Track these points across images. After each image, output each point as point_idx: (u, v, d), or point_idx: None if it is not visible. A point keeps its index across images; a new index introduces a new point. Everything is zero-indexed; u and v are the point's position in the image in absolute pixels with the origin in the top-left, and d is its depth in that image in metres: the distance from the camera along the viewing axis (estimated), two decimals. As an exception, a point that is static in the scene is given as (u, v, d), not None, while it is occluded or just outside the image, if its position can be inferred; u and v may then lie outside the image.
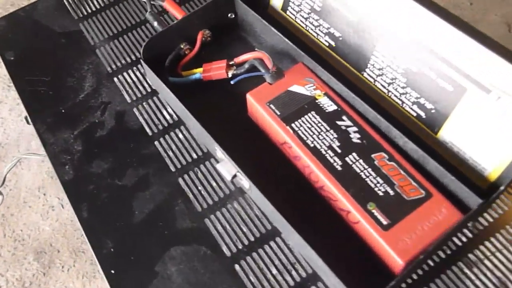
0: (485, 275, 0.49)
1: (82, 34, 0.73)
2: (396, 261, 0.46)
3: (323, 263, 0.46)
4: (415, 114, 0.55)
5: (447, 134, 0.53)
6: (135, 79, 0.68)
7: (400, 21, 0.53)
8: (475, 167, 0.51)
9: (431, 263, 0.50)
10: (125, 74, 0.69)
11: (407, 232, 0.47)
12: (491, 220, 0.52)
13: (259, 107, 0.57)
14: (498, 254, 0.50)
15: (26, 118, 0.68)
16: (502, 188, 0.47)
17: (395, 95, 0.56)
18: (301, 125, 0.55)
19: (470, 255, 0.51)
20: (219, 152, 0.56)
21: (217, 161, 0.59)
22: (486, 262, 0.50)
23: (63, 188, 0.60)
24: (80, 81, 0.68)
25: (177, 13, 0.69)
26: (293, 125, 0.55)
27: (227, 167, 0.54)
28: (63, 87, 0.68)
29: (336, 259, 0.50)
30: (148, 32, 0.73)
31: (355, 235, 0.51)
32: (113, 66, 0.70)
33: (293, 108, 0.56)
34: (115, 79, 0.68)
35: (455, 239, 0.51)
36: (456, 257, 0.50)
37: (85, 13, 0.76)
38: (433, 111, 0.53)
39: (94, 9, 0.76)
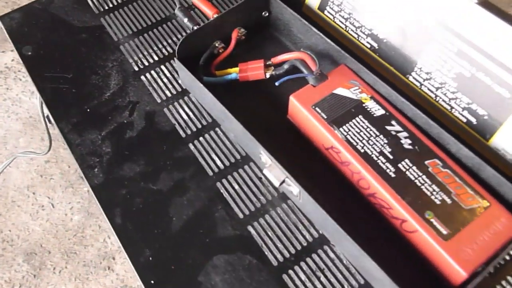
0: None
1: (104, 30, 0.70)
2: (459, 272, 0.45)
3: (381, 272, 0.44)
4: (465, 120, 0.54)
5: (500, 141, 0.52)
6: (164, 78, 0.65)
7: (453, 24, 0.51)
8: (529, 176, 0.50)
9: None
10: (152, 72, 0.66)
11: (468, 242, 0.46)
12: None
13: (304, 110, 0.55)
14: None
15: (47, 117, 0.65)
16: None
17: (443, 100, 0.55)
18: (349, 130, 0.53)
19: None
20: (264, 157, 0.53)
21: (256, 165, 0.57)
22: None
23: (93, 191, 0.56)
24: (105, 78, 0.65)
25: (208, 10, 0.66)
26: (341, 129, 0.53)
27: (274, 172, 0.52)
28: (87, 84, 0.65)
29: (389, 269, 0.48)
30: (174, 29, 0.70)
31: (408, 245, 0.49)
32: (140, 64, 0.66)
33: (339, 112, 0.54)
34: (142, 77, 0.65)
35: None
36: None
37: (107, 7, 0.72)
38: (485, 117, 0.52)
39: (115, 3, 0.73)
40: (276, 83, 0.55)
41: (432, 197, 0.49)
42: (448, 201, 0.48)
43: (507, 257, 0.50)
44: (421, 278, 0.49)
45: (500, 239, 0.46)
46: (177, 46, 0.59)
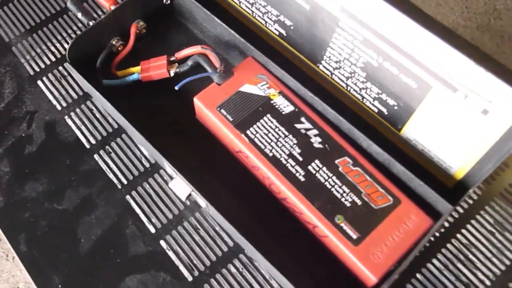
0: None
1: (-7, 29, 0.63)
2: (369, 277, 0.44)
3: (289, 284, 0.43)
4: (376, 110, 0.52)
5: (411, 131, 0.50)
6: (63, 81, 0.60)
7: (359, 12, 0.48)
8: (441, 165, 0.49)
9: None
10: (50, 75, 0.60)
11: (378, 245, 0.45)
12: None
13: (209, 113, 0.52)
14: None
15: None
16: (471, 191, 0.46)
17: (354, 90, 0.52)
18: (257, 132, 0.50)
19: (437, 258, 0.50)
20: (169, 168, 0.50)
21: (166, 172, 0.54)
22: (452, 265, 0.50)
23: (-6, 218, 0.53)
24: (-3, 87, 0.60)
25: (103, 0, 0.60)
26: (248, 132, 0.50)
27: (180, 186, 0.49)
28: (-23, 96, 0.59)
29: (306, 274, 0.48)
30: (71, 23, 0.63)
31: (323, 247, 0.48)
32: (35, 67, 0.61)
33: (246, 112, 0.51)
34: (39, 82, 0.60)
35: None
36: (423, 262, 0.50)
37: (-7, 2, 0.65)
38: (396, 107, 0.50)
39: (3, -3, 0.66)
40: (176, 88, 0.51)
41: (342, 199, 0.47)
42: (358, 202, 0.47)
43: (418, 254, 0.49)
44: (337, 281, 0.48)
45: (410, 237, 0.45)
46: (67, 49, 0.53)
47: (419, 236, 0.45)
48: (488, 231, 0.51)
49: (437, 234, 0.51)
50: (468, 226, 0.51)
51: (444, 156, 0.49)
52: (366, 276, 0.44)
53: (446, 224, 0.51)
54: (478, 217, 0.52)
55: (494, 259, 0.50)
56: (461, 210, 0.52)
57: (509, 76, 0.41)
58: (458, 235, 0.51)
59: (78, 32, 0.63)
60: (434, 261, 0.50)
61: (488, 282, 0.49)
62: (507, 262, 0.49)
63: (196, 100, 0.52)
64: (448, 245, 0.50)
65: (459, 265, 0.49)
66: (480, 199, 0.53)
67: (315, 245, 0.49)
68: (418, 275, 0.49)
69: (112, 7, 0.59)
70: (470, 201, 0.53)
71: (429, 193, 0.47)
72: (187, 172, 0.48)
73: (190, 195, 0.49)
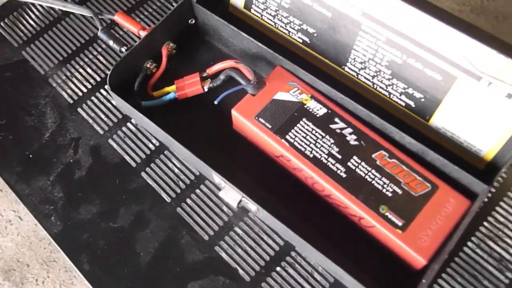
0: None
1: (29, 64, 0.66)
2: (419, 260, 0.47)
3: (348, 276, 0.46)
4: (403, 104, 0.55)
5: (439, 120, 0.53)
6: (101, 106, 0.63)
7: (381, 14, 0.51)
8: (470, 149, 0.53)
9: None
10: (89, 102, 0.63)
11: (423, 229, 0.48)
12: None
13: (247, 123, 0.55)
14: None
15: (-11, 170, 0.62)
16: (503, 170, 0.49)
17: (380, 87, 0.56)
18: (295, 136, 0.53)
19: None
20: (217, 178, 0.53)
21: (211, 182, 0.57)
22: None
23: (55, 241, 0.56)
24: (40, 118, 0.63)
25: (132, 27, 0.63)
26: (287, 136, 0.53)
27: (230, 194, 0.52)
28: (22, 128, 0.62)
29: (355, 263, 0.51)
30: (102, 50, 0.67)
31: (370, 237, 0.52)
32: (73, 95, 0.64)
33: (283, 118, 0.55)
34: (79, 109, 0.63)
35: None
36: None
37: (25, 38, 0.68)
38: (422, 100, 0.53)
39: (34, 31, 0.69)
40: (215, 102, 0.55)
41: (384, 190, 0.50)
42: (399, 191, 0.50)
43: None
44: (384, 266, 0.51)
45: (452, 219, 0.49)
46: (108, 76, 0.57)
47: (460, 217, 0.49)
48: (520, 206, 0.55)
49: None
50: (502, 204, 0.55)
51: (473, 140, 0.52)
52: (415, 259, 0.48)
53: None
54: (506, 198, 0.55)
55: (529, 232, 0.53)
56: (493, 190, 0.56)
57: (530, 61, 0.44)
58: (493, 213, 0.54)
59: (110, 59, 0.66)
60: (472, 239, 0.53)
61: (526, 254, 0.52)
62: (541, 234, 0.53)
63: (234, 112, 0.56)
64: (485, 223, 0.54)
65: (491, 243, 0.53)
66: (508, 180, 0.56)
67: (361, 236, 0.52)
68: (460, 253, 0.52)
69: (141, 32, 0.63)
70: (501, 180, 0.56)
71: (463, 176, 0.50)
72: (236, 180, 0.51)
73: (240, 201, 0.52)
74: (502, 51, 0.45)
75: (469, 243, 0.53)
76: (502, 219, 0.54)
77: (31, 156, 0.60)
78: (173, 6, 0.69)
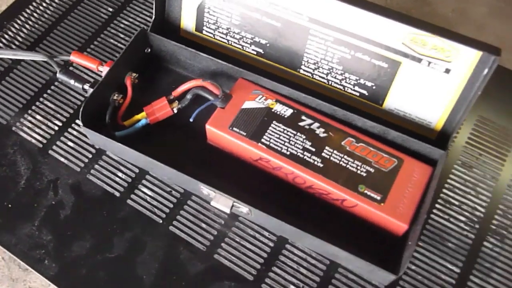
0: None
1: (-12, 116, 0.66)
2: (401, 226, 0.53)
3: (343, 252, 0.51)
4: (358, 94, 0.61)
5: (391, 103, 0.60)
6: (72, 144, 0.64)
7: (326, 18, 0.57)
8: (422, 123, 0.60)
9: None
10: (59, 143, 0.64)
11: (398, 198, 0.54)
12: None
13: (223, 134, 0.59)
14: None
15: (-32, 228, 0.61)
16: (453, 135, 0.57)
17: (335, 83, 0.62)
18: (270, 138, 0.58)
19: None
20: (205, 190, 0.56)
21: (197, 196, 0.60)
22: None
23: (53, 283, 0.56)
24: (11, 167, 0.62)
25: (90, 64, 0.65)
26: (262, 140, 0.58)
27: (222, 201, 0.55)
28: (-5, 180, 0.62)
29: (345, 241, 0.55)
30: (60, 91, 0.68)
31: (352, 216, 0.57)
32: (41, 139, 0.64)
33: (255, 124, 0.59)
34: (51, 151, 0.64)
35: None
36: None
37: (-21, 91, 0.68)
38: (374, 87, 0.60)
39: (-14, 83, 0.68)
40: (191, 119, 0.58)
41: (358, 171, 0.56)
42: (372, 170, 0.56)
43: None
44: (370, 239, 0.56)
45: (420, 185, 0.55)
46: (80, 113, 0.58)
47: (426, 182, 0.55)
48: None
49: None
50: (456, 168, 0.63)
51: (423, 115, 0.59)
52: (398, 226, 0.53)
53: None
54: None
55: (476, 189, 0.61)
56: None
57: (460, 38, 0.52)
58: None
59: (70, 98, 0.67)
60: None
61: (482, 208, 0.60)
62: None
63: (208, 126, 0.59)
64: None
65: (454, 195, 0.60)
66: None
67: (344, 217, 0.57)
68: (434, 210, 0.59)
69: (100, 67, 0.65)
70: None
71: (422, 147, 0.57)
72: (223, 188, 0.55)
73: (232, 206, 0.55)
74: (435, 33, 0.53)
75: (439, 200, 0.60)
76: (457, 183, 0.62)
77: (10, 205, 0.60)
78: (120, 38, 0.72)
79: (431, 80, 0.56)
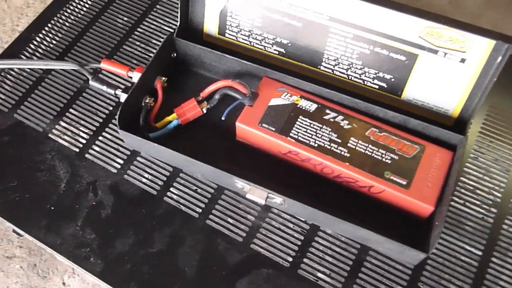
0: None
1: (24, 124, 0.69)
2: (427, 208, 0.56)
3: (375, 235, 0.55)
4: (377, 87, 0.65)
5: (409, 94, 0.64)
6: (108, 147, 0.67)
7: (346, 16, 0.61)
8: (439, 111, 0.63)
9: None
10: (94, 147, 0.67)
11: (423, 182, 0.58)
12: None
13: (253, 130, 0.62)
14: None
15: (14, 231, 0.64)
16: (471, 121, 0.60)
17: (355, 77, 0.65)
18: (298, 132, 0.61)
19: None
20: (240, 184, 0.60)
21: (230, 190, 0.63)
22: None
23: (100, 279, 0.59)
24: (51, 171, 0.65)
25: (120, 70, 0.68)
26: (291, 134, 0.61)
27: (257, 194, 0.59)
28: (36, 185, 0.64)
29: (374, 225, 0.59)
30: (91, 97, 0.71)
31: (378, 202, 0.60)
32: (77, 144, 0.67)
33: (282, 120, 0.62)
34: (87, 155, 0.67)
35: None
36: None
37: (13, 102, 0.71)
38: (392, 79, 0.63)
39: (20, 94, 0.71)
40: (223, 118, 0.61)
41: (383, 159, 0.59)
42: (395, 157, 0.59)
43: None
44: (395, 221, 0.60)
45: (443, 169, 0.59)
46: (117, 119, 0.61)
47: (448, 166, 0.59)
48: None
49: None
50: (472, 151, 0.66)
51: (440, 103, 0.63)
52: (424, 208, 0.57)
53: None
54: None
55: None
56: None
57: (473, 29, 0.56)
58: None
59: (102, 103, 0.70)
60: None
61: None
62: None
63: (238, 124, 0.63)
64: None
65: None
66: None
67: (370, 202, 0.60)
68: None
69: (130, 73, 0.68)
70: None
71: (442, 133, 0.61)
72: (256, 181, 0.58)
73: (267, 197, 0.59)
74: (451, 25, 0.56)
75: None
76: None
77: (52, 208, 0.63)
78: (144, 44, 0.75)
79: (447, 70, 0.60)
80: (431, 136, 0.62)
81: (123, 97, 0.66)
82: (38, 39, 0.77)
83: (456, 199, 0.63)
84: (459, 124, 0.62)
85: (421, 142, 0.61)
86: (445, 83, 0.61)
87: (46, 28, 0.78)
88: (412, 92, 0.63)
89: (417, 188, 0.58)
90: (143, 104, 0.65)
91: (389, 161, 0.59)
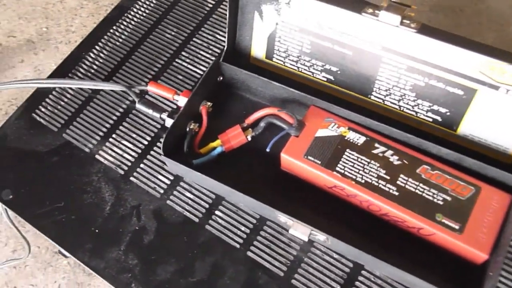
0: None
1: (72, 145, 0.70)
2: (481, 256, 0.53)
3: (423, 283, 0.52)
4: (431, 120, 0.62)
5: (466, 129, 0.60)
6: (151, 171, 0.67)
7: (398, 48, 0.58)
8: (498, 149, 0.59)
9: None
10: (139, 170, 0.68)
11: (477, 227, 0.54)
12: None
13: (298, 162, 0.60)
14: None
15: (60, 252, 0.65)
16: (533, 162, 0.56)
17: (407, 108, 0.62)
18: (344, 166, 0.59)
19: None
20: (282, 218, 0.58)
21: (273, 222, 0.62)
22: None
23: (140, 307, 0.59)
24: (97, 194, 0.66)
25: (166, 93, 0.68)
26: (337, 168, 0.59)
27: (300, 230, 0.57)
28: (82, 206, 0.66)
29: (423, 268, 0.56)
30: (138, 119, 0.71)
31: (428, 243, 0.57)
32: (123, 166, 0.68)
33: (329, 153, 0.60)
34: (132, 178, 0.67)
35: None
36: None
37: (63, 121, 0.72)
38: (448, 113, 0.60)
39: (70, 114, 0.73)
40: (267, 149, 0.60)
41: (435, 200, 0.56)
42: (448, 198, 0.56)
43: None
44: (448, 266, 0.57)
45: (500, 214, 0.55)
46: (162, 145, 0.61)
47: (506, 210, 0.55)
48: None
49: None
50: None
51: (499, 141, 0.59)
52: (478, 256, 0.54)
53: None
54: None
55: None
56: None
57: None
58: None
59: (146, 125, 0.71)
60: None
61: None
62: None
63: (283, 155, 0.61)
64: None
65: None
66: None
67: (420, 243, 0.58)
68: (508, 242, 0.59)
69: (175, 97, 0.68)
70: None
71: (500, 175, 0.57)
72: (299, 216, 0.57)
73: (310, 234, 0.57)
74: (513, 62, 0.53)
75: None
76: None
77: (97, 231, 0.64)
78: (189, 65, 0.75)
79: (509, 107, 0.56)
80: (487, 176, 0.58)
81: (168, 121, 0.66)
82: (89, 58, 0.78)
83: (513, 244, 0.59)
84: (520, 163, 0.59)
85: (476, 183, 0.57)
86: (506, 121, 0.57)
87: (97, 47, 0.79)
88: (469, 127, 0.60)
89: (470, 233, 0.54)
90: (187, 130, 0.65)
91: (441, 202, 0.56)
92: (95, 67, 0.77)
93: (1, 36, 1.66)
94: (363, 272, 0.59)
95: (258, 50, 0.69)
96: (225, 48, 0.67)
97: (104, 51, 0.78)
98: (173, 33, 0.79)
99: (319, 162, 0.60)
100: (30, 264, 1.27)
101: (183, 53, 0.77)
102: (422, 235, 0.57)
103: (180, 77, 0.75)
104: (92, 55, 0.78)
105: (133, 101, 0.71)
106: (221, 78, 0.69)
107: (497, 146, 0.59)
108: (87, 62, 0.77)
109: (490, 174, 0.58)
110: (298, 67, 0.67)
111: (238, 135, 0.64)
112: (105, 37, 0.80)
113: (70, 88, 0.74)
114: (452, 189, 0.57)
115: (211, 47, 0.77)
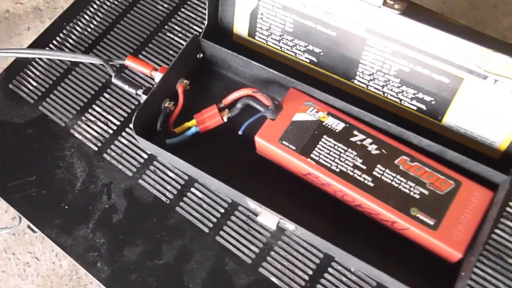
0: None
1: (48, 118, 0.68)
2: (455, 255, 0.51)
3: (390, 278, 0.50)
4: (415, 108, 0.58)
5: (451, 119, 0.57)
6: (126, 149, 0.65)
7: (383, 30, 0.54)
8: (484, 142, 0.56)
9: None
10: (113, 147, 0.66)
11: (453, 224, 0.51)
12: None
13: (272, 147, 0.58)
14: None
15: (29, 226, 0.64)
16: (519, 158, 0.53)
17: (391, 95, 0.59)
18: (319, 153, 0.56)
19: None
20: (252, 204, 0.56)
21: (245, 207, 0.60)
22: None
23: (105, 286, 0.58)
24: (69, 169, 0.65)
25: (143, 68, 0.66)
26: (312, 155, 0.56)
27: (268, 217, 0.55)
28: (54, 181, 0.64)
29: (394, 264, 0.54)
30: (116, 95, 0.69)
31: (403, 238, 0.55)
32: (97, 142, 0.66)
33: (305, 138, 0.57)
34: (105, 155, 0.65)
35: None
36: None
37: (40, 93, 0.70)
38: (433, 102, 0.56)
39: (47, 86, 0.71)
40: (240, 132, 0.57)
41: (411, 193, 0.53)
42: (426, 192, 0.53)
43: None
44: (420, 263, 0.54)
45: (479, 212, 0.52)
46: (133, 122, 0.59)
47: (486, 208, 0.52)
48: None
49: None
50: (518, 188, 0.58)
51: (486, 134, 0.55)
52: (451, 254, 0.51)
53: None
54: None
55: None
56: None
57: (532, 57, 0.48)
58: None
59: (124, 101, 0.68)
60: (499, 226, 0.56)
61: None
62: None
63: (257, 138, 0.59)
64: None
65: (521, 223, 0.56)
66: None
67: (394, 237, 0.55)
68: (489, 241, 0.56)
69: (153, 72, 0.65)
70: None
71: (483, 170, 0.53)
72: (270, 203, 0.54)
73: (278, 223, 0.55)
74: (505, 51, 0.49)
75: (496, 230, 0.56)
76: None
77: (67, 207, 0.63)
78: (174, 41, 0.72)
79: (497, 98, 0.52)
80: (470, 171, 0.55)
81: (143, 98, 0.63)
82: (68, 29, 0.75)
83: (491, 248, 0.56)
84: (505, 160, 0.55)
85: (457, 177, 0.54)
86: (493, 112, 0.53)
87: (77, 19, 0.76)
88: (455, 118, 0.56)
89: (446, 230, 0.51)
90: (162, 107, 0.63)
91: (418, 196, 0.53)
92: (75, 38, 0.74)
93: (9, 3, 1.64)
94: (333, 264, 0.56)
95: (240, 27, 0.66)
96: (205, 24, 0.64)
97: (86, 22, 0.76)
98: (160, 5, 0.76)
99: (294, 148, 0.57)
100: (29, 232, 1.28)
101: (166, 27, 0.74)
102: (396, 229, 0.54)
103: (165, 53, 0.72)
104: (74, 25, 0.76)
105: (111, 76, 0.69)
106: (201, 55, 0.66)
107: (483, 139, 0.56)
108: (69, 33, 0.75)
109: (473, 169, 0.54)
110: (280, 47, 0.64)
111: (214, 116, 0.62)
112: (89, 7, 0.77)
113: (49, 59, 0.72)
114: (430, 183, 0.54)
115: (198, 20, 0.74)
